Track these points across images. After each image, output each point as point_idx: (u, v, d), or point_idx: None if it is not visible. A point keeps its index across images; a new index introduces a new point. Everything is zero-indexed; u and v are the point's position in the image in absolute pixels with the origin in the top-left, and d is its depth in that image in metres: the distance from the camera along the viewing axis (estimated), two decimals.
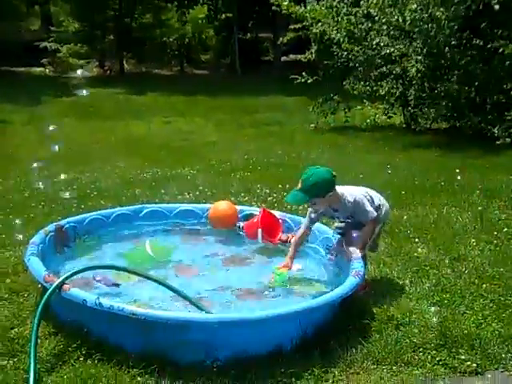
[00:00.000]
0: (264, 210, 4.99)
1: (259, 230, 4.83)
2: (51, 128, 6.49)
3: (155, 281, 3.91)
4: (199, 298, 4.03)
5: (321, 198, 4.27)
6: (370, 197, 4.48)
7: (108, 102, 19.51)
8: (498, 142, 10.50)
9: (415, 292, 4.54)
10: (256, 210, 5.26)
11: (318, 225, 4.89)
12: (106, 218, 5.12)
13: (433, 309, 4.22)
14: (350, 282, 3.93)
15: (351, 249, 4.33)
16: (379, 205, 4.52)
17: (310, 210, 4.50)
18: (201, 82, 24.28)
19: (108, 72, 26.95)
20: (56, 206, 6.80)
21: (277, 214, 5.17)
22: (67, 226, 4.79)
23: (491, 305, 4.35)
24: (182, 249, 4.97)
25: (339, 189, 4.36)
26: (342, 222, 4.60)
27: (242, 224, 5.11)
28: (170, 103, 18.94)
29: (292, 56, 26.54)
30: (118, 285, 4.08)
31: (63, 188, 7.86)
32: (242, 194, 7.25)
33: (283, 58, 27.89)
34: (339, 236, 4.61)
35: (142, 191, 7.70)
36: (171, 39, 27.80)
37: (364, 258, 4.47)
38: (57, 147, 7.65)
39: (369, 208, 4.36)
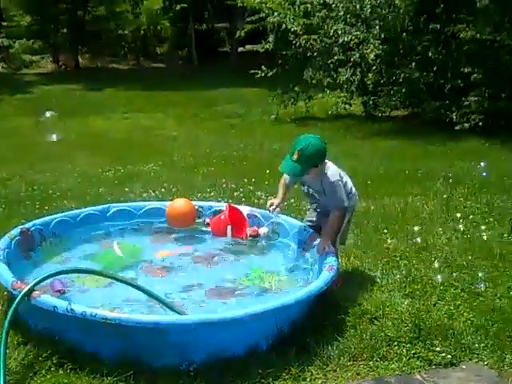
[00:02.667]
0: (230, 206, 4.92)
1: (229, 227, 4.77)
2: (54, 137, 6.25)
3: (127, 283, 3.81)
4: (170, 299, 3.95)
5: (314, 168, 4.22)
6: (345, 182, 4.40)
7: (65, 98, 19.15)
8: (456, 128, 10.64)
9: (387, 284, 4.55)
10: (218, 206, 5.19)
11: (289, 219, 4.87)
12: (73, 219, 4.97)
13: (406, 302, 4.22)
14: (325, 276, 3.90)
15: (323, 241, 4.28)
16: (350, 192, 4.45)
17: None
18: (158, 76, 24.05)
19: (63, 67, 26.44)
20: (17, 208, 6.62)
21: (246, 208, 5.11)
22: (33, 228, 4.64)
23: (462, 294, 4.38)
24: (151, 248, 4.88)
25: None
26: (312, 198, 4.49)
27: (207, 220, 5.04)
28: (129, 98, 18.72)
29: (248, 46, 26.48)
30: (63, 292, 3.95)
31: (24, 189, 7.72)
32: (208, 190, 7.17)
33: (240, 49, 27.78)
34: (311, 230, 4.57)
35: (106, 190, 7.56)
36: (126, 32, 27.42)
37: (336, 251, 4.46)
38: None
39: (343, 196, 4.26)
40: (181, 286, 4.26)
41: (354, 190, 4.51)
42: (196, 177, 8.08)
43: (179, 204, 5.09)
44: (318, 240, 4.38)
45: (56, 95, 19.65)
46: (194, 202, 5.31)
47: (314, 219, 4.59)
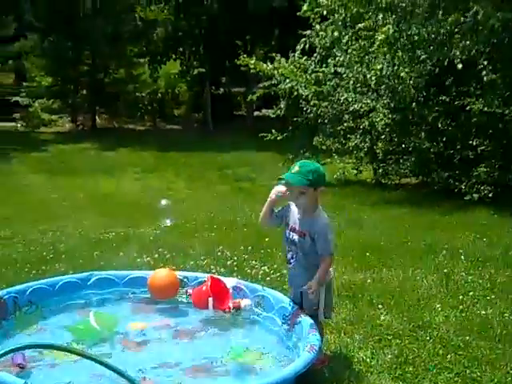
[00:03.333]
0: (212, 278, 4.74)
1: (210, 299, 4.57)
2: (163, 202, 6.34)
3: (92, 359, 3.60)
4: (143, 376, 3.74)
5: (312, 190, 4.05)
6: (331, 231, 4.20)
7: (79, 157, 19.40)
8: (465, 198, 10.48)
9: (376, 364, 4.31)
10: (204, 277, 4.99)
11: (274, 293, 4.67)
12: (51, 286, 4.81)
13: None
14: (304, 357, 3.69)
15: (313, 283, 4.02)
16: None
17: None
18: (173, 137, 24.25)
19: (80, 127, 26.84)
20: (6, 271, 6.50)
21: (233, 280, 4.93)
22: (7, 296, 4.48)
23: (456, 379, 4.14)
24: (131, 319, 4.68)
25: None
26: (292, 245, 4.23)
27: (190, 291, 4.84)
28: (142, 159, 18.84)
29: (264, 111, 26.74)
30: (23, 367, 3.75)
31: (20, 249, 7.65)
32: (202, 257, 6.99)
33: (256, 113, 28.05)
34: (296, 305, 4.36)
35: (101, 253, 7.45)
36: (143, 94, 27.89)
37: (321, 328, 4.25)
38: None
39: (332, 242, 4.09)
40: (156, 362, 4.05)
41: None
42: (194, 243, 7.92)
43: (161, 275, 4.91)
44: (303, 316, 4.18)
45: (71, 154, 19.91)
46: (179, 273, 5.14)
47: (293, 264, 4.28)
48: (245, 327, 4.60)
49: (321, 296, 4.17)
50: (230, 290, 4.71)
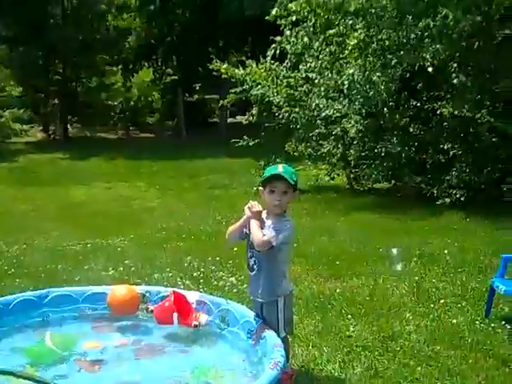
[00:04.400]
0: (175, 293, 4.57)
1: (175, 315, 4.40)
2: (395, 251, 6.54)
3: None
4: None
5: (292, 191, 4.00)
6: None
7: (50, 167, 19.15)
8: (437, 203, 10.43)
9: (345, 379, 4.19)
10: (167, 291, 4.81)
11: (238, 307, 4.51)
12: (6, 305, 4.58)
13: None
14: (267, 375, 3.53)
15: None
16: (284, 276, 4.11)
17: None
18: (146, 146, 24.07)
19: (52, 136, 26.49)
20: None
21: (196, 294, 4.75)
22: None
23: None
24: (90, 338, 4.48)
25: None
26: (252, 249, 4.07)
27: (151, 307, 4.65)
28: (113, 168, 18.64)
29: (239, 117, 26.64)
30: None
31: None
32: (168, 269, 6.82)
33: (230, 120, 27.93)
34: (261, 319, 4.20)
35: (65, 267, 7.27)
36: (116, 103, 27.66)
37: (286, 342, 4.10)
38: None
39: (281, 237, 3.90)
40: (116, 382, 3.86)
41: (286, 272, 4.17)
42: (161, 253, 7.75)
43: (121, 291, 4.72)
44: (267, 331, 4.02)
45: (42, 164, 19.62)
46: (141, 287, 4.96)
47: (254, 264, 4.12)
48: (209, 343, 4.41)
49: (279, 310, 4.03)
50: (194, 305, 4.54)
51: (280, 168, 4.04)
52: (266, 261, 4.04)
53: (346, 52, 11.40)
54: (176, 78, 26.58)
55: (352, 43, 11.06)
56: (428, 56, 10.22)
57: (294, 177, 3.99)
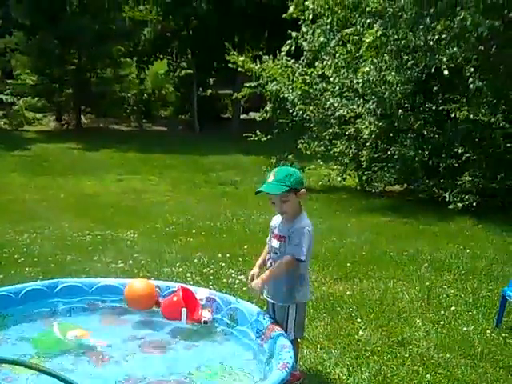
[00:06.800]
0: (182, 288, 4.53)
1: (183, 310, 4.37)
2: None
3: (51, 375, 3.39)
4: None
5: (293, 195, 3.85)
6: (309, 247, 3.93)
7: (62, 157, 19.16)
8: (449, 207, 10.35)
9: (353, 382, 4.15)
10: (173, 286, 4.78)
11: (248, 305, 4.48)
12: (15, 294, 4.56)
13: None
14: (276, 376, 3.49)
15: (260, 279, 3.87)
16: (303, 279, 4.03)
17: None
18: (158, 139, 24.05)
19: (65, 126, 26.51)
20: None
21: (205, 291, 4.72)
22: None
23: None
24: (99, 330, 4.46)
25: None
26: (272, 253, 4.04)
27: (160, 301, 4.62)
28: (126, 160, 18.63)
29: (252, 114, 26.58)
30: None
31: None
32: (178, 264, 6.80)
33: (243, 116, 27.86)
34: (271, 319, 4.17)
35: (75, 257, 7.26)
36: (130, 94, 27.62)
37: (296, 343, 4.07)
38: None
39: (304, 246, 3.83)
40: (122, 377, 3.84)
41: (307, 277, 4.12)
42: (171, 248, 7.72)
43: (141, 285, 4.68)
44: (277, 331, 3.98)
45: (53, 154, 19.62)
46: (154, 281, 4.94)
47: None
48: (218, 341, 4.38)
49: (290, 315, 3.99)
50: (203, 302, 4.51)
51: (271, 177, 3.87)
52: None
53: (362, 49, 11.34)
54: (191, 71, 26.51)
55: (368, 40, 11.00)
56: (445, 59, 10.15)
57: (288, 180, 3.81)
